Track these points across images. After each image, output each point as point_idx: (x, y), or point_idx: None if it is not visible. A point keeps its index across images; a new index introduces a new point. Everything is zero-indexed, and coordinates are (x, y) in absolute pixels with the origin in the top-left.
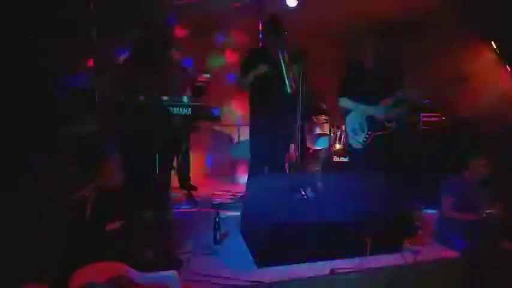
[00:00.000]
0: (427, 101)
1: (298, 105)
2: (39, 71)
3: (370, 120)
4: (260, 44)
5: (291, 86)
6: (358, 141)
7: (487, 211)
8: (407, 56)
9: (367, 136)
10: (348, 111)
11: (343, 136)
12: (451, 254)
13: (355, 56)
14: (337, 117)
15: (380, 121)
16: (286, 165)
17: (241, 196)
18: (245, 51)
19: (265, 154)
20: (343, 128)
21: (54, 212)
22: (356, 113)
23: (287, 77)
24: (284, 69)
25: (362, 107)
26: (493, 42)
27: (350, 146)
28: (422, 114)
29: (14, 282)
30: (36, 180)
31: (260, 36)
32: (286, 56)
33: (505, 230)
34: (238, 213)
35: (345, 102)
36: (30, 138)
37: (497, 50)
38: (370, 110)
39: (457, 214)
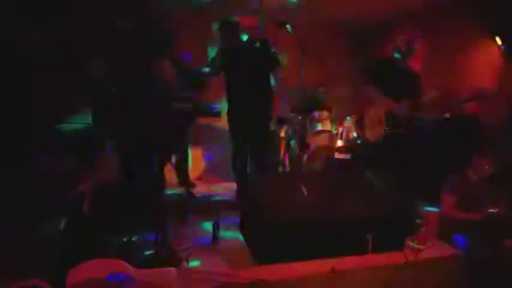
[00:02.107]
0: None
1: (298, 101)
2: (38, 67)
3: (391, 116)
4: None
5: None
6: (373, 135)
7: (490, 210)
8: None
9: (384, 132)
10: (368, 103)
11: (344, 133)
12: (453, 252)
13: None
14: (340, 114)
15: (399, 119)
16: (284, 161)
17: (237, 191)
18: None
19: (245, 150)
20: (345, 124)
21: (53, 208)
22: (377, 106)
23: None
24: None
25: (385, 100)
26: (498, 38)
27: (363, 138)
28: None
29: (13, 277)
30: (34, 177)
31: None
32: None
33: (508, 229)
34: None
35: (369, 92)
36: (28, 135)
37: (503, 48)
38: (392, 106)
39: (458, 212)
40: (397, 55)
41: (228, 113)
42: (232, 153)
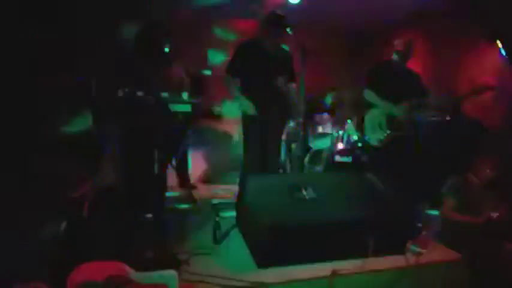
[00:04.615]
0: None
1: (301, 104)
2: (35, 67)
3: (391, 119)
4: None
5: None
6: (375, 138)
7: (491, 213)
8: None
9: (385, 135)
10: (369, 106)
11: (345, 135)
12: (453, 255)
13: (386, 53)
14: (340, 117)
15: (400, 121)
16: (286, 163)
17: (237, 195)
18: (237, 43)
19: (258, 153)
20: (347, 127)
21: (53, 210)
22: (377, 110)
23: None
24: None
25: (385, 104)
26: (499, 42)
27: (366, 142)
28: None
29: (13, 280)
30: (34, 179)
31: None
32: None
33: (508, 232)
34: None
35: (369, 96)
36: (27, 136)
37: (504, 51)
38: (393, 109)
39: (459, 216)
40: (396, 57)
41: (246, 115)
42: (246, 157)
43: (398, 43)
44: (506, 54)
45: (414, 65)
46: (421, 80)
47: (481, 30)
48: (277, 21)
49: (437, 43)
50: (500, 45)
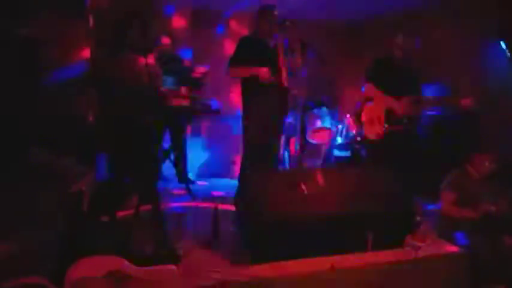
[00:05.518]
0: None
1: (300, 98)
2: (34, 62)
3: (389, 113)
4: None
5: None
6: (374, 133)
7: (490, 207)
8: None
9: (384, 129)
10: (367, 100)
11: (344, 130)
12: (452, 249)
13: (386, 48)
14: (339, 111)
15: (399, 116)
16: (284, 158)
17: (236, 190)
18: (238, 39)
19: (258, 147)
20: (347, 120)
21: (52, 205)
22: (376, 104)
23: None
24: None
25: (384, 98)
26: (502, 43)
27: (363, 136)
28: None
29: (13, 276)
30: (33, 174)
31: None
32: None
33: (507, 226)
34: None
35: (368, 90)
36: (26, 130)
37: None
38: (392, 103)
39: (457, 210)
40: (397, 52)
41: (248, 112)
42: (245, 151)
43: (399, 39)
44: (509, 54)
45: (415, 60)
46: (420, 76)
47: (483, 28)
48: (268, 11)
49: (437, 40)
50: (503, 44)
